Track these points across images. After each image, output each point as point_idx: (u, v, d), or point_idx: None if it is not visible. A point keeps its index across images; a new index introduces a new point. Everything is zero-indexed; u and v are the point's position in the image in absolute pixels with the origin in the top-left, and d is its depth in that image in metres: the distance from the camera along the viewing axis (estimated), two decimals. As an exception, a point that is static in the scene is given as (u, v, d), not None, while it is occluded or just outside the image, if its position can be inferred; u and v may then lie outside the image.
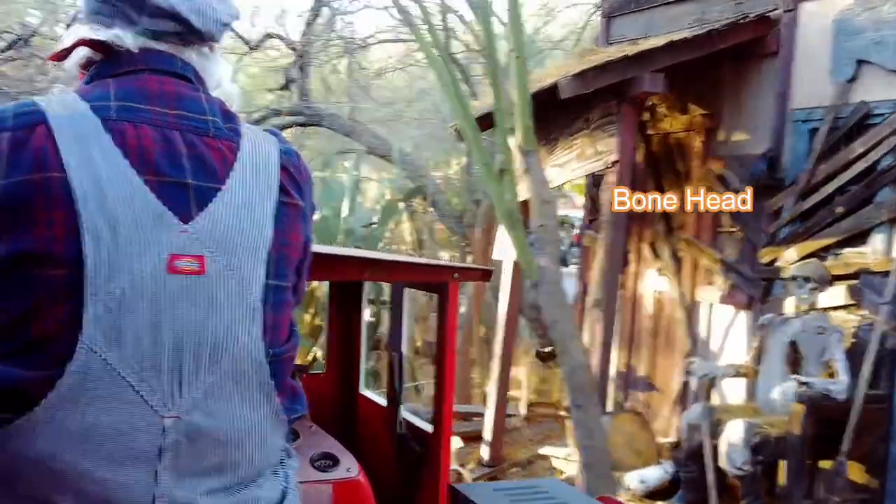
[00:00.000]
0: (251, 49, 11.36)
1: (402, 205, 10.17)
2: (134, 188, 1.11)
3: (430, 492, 2.46)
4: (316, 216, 7.92)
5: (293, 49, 11.08)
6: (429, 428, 2.59)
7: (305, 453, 2.34)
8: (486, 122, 5.34)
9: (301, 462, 1.66)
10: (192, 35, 1.24)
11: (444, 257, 10.86)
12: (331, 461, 2.39)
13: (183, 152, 1.16)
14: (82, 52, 1.24)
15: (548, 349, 6.92)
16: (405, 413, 2.80)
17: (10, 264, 1.07)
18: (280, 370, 1.24)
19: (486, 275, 2.64)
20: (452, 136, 6.99)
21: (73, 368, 1.07)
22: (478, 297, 8.27)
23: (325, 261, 2.10)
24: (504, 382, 6.24)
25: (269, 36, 11.31)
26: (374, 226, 8.71)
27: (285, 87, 11.43)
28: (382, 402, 3.01)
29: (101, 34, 1.20)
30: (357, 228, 8.31)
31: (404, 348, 2.97)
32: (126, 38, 1.20)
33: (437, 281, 2.50)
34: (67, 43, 1.24)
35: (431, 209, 10.81)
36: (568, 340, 4.59)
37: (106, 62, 1.22)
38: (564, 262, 9.69)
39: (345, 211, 8.44)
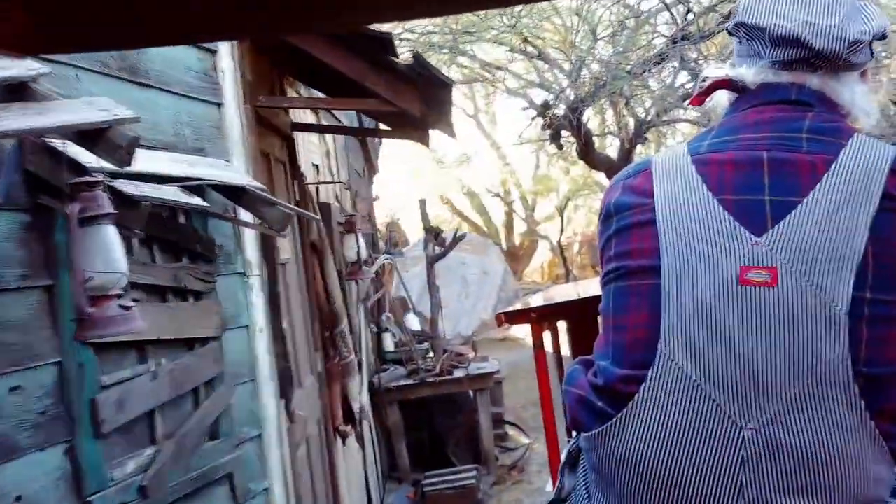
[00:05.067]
0: None
1: None
2: (708, 208, 1.21)
3: None
4: None
5: None
6: None
7: None
8: None
9: None
10: (818, 59, 1.27)
11: None
12: None
13: (765, 170, 1.21)
14: (725, 95, 1.37)
15: None
16: None
17: (612, 280, 1.29)
18: (880, 391, 1.17)
19: None
20: None
21: (653, 373, 1.19)
22: None
23: None
24: None
25: None
26: None
27: None
28: None
29: (729, 72, 1.33)
30: None
31: None
32: (748, 74, 1.31)
33: None
34: (705, 86, 1.36)
35: None
36: None
37: (733, 103, 1.35)
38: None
39: None
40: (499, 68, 9.87)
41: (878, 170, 1.19)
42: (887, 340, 1.16)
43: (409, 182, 18.77)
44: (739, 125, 1.29)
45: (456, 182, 20.02)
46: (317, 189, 4.37)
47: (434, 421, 6.39)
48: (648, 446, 1.19)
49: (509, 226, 21.52)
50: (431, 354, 6.74)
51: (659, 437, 1.18)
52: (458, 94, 16.20)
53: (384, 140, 8.63)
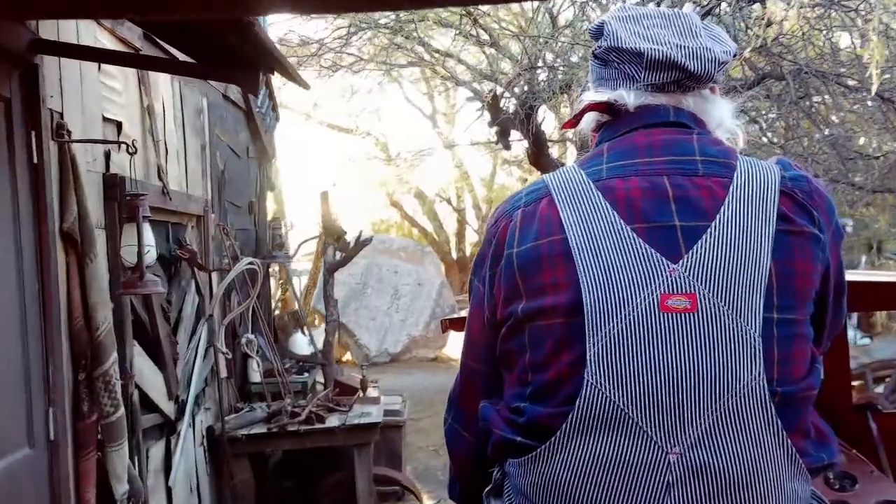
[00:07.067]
0: None
1: None
2: (623, 237, 1.20)
3: None
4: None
5: None
6: None
7: (865, 502, 2.07)
8: None
9: None
10: (690, 80, 1.30)
11: None
12: None
13: (670, 195, 1.22)
14: (592, 117, 1.38)
15: None
16: None
17: (526, 320, 1.24)
18: (792, 409, 1.19)
19: None
20: None
21: (579, 404, 1.17)
22: None
23: (863, 289, 2.02)
24: None
25: None
26: None
27: None
28: None
29: (606, 95, 1.33)
30: None
31: None
32: (628, 96, 1.31)
33: None
34: (578, 109, 1.38)
35: None
36: None
37: (609, 126, 1.34)
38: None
39: None
40: (436, 50, 8.54)
41: (770, 191, 1.21)
42: (794, 359, 1.19)
43: (354, 177, 17.44)
44: (631, 148, 1.28)
45: (404, 184, 18.68)
46: (107, 155, 2.95)
47: (303, 470, 4.99)
48: (575, 473, 1.18)
49: (461, 234, 20.29)
50: (322, 384, 5.37)
51: (585, 464, 1.17)
52: (411, 90, 15.13)
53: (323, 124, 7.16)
